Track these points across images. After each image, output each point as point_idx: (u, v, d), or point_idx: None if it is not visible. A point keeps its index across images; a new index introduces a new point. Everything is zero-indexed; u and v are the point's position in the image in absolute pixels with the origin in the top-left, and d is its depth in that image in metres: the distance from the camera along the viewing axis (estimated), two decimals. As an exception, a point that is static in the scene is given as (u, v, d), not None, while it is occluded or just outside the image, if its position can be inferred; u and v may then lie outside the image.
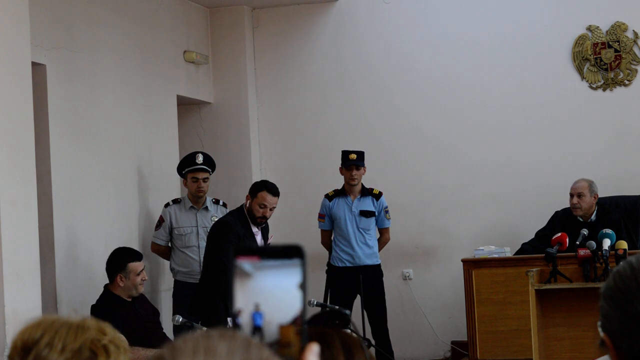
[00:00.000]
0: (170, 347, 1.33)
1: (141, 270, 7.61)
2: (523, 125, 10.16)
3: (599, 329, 1.85)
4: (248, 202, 7.97)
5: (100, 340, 2.00)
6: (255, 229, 7.95)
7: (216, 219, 8.56)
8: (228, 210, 8.81)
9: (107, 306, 7.42)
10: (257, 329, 1.49)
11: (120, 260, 7.62)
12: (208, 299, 7.59)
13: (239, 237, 7.77)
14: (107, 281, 7.69)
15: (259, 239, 7.98)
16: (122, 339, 2.04)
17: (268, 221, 8.17)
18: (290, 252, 1.49)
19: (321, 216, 9.50)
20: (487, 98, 10.24)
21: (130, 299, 7.59)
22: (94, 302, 7.69)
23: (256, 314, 1.49)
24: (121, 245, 8.12)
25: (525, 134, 10.16)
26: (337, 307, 7.39)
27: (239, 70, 10.59)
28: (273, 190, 8.06)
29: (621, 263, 1.87)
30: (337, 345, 2.08)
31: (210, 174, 9.02)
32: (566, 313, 7.83)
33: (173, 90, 9.83)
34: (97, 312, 7.42)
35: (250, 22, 10.75)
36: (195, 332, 1.36)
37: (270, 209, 8.00)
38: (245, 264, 1.49)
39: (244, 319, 1.49)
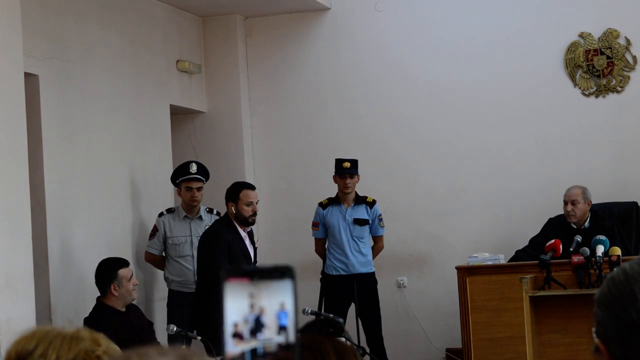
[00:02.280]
0: None
1: (131, 276, 7.63)
2: (516, 132, 10.17)
3: (594, 336, 1.85)
4: (233, 208, 7.94)
5: (94, 351, 2.00)
6: (243, 233, 7.94)
7: (209, 228, 8.56)
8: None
9: (100, 318, 7.40)
10: (282, 329, 1.49)
11: (110, 270, 7.61)
12: (206, 311, 7.56)
13: (229, 244, 7.76)
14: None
15: (247, 243, 7.97)
16: (116, 349, 2.04)
17: (254, 229, 8.19)
18: (281, 273, 1.50)
19: (315, 224, 9.50)
20: (480, 105, 10.24)
21: (124, 309, 7.58)
22: (88, 311, 7.68)
23: (281, 312, 1.49)
24: (115, 255, 8.12)
25: (519, 141, 10.16)
26: (330, 315, 7.38)
27: (232, 80, 10.59)
28: (250, 185, 8.19)
29: (615, 269, 1.87)
30: (330, 354, 2.07)
31: (204, 183, 9.02)
32: (560, 319, 7.84)
33: (166, 99, 9.83)
34: (90, 325, 7.40)
35: (243, 31, 10.76)
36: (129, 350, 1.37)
37: (256, 203, 8.02)
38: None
39: (268, 318, 1.49)
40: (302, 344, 1.99)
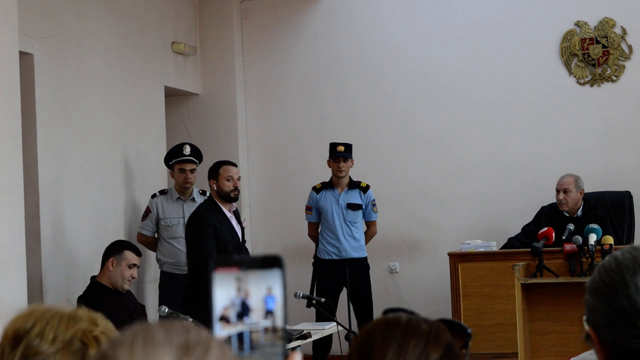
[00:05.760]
0: (110, 341, 1.34)
1: (134, 264, 7.55)
2: (510, 120, 10.18)
3: (585, 323, 1.86)
4: (214, 185, 7.93)
5: (92, 332, 2.00)
6: (229, 214, 7.92)
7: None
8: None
9: (93, 297, 7.38)
10: (269, 313, 1.50)
11: (119, 245, 7.62)
12: (199, 295, 7.55)
13: (214, 227, 7.75)
14: (93, 271, 7.67)
15: (234, 223, 7.96)
16: (113, 329, 2.04)
17: (240, 208, 8.19)
18: (270, 263, 1.51)
19: (308, 208, 9.50)
20: (475, 93, 10.25)
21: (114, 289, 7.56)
22: (79, 292, 7.67)
23: (268, 297, 1.50)
24: (108, 235, 8.12)
25: (513, 129, 10.17)
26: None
27: (227, 62, 10.58)
28: (230, 162, 8.19)
29: (607, 257, 1.88)
30: (442, 339, 1.91)
31: (197, 166, 9.02)
32: (552, 307, 7.85)
33: (161, 81, 9.82)
34: (84, 303, 7.36)
35: (239, 14, 10.74)
36: (136, 325, 1.37)
37: (237, 179, 8.01)
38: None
39: (255, 302, 1.50)
40: (423, 319, 1.91)
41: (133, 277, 7.57)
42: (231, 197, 7.93)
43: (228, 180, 7.91)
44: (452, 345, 1.91)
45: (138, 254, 7.68)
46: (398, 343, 1.88)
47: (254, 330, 1.50)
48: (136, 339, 1.31)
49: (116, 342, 1.32)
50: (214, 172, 7.99)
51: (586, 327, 1.86)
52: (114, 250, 7.58)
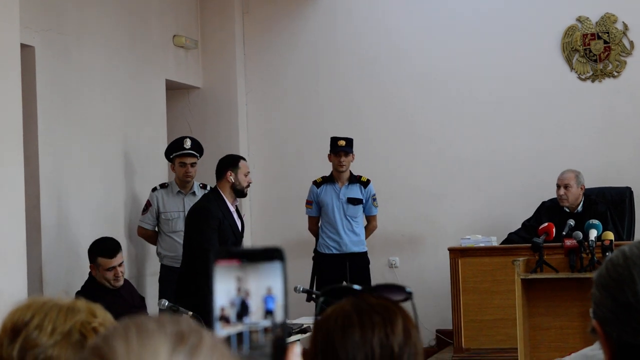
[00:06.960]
0: (101, 335, 1.34)
1: (112, 267, 7.41)
2: (511, 116, 10.17)
3: (591, 316, 1.86)
4: (232, 177, 7.85)
5: (90, 323, 2.00)
6: (232, 208, 7.91)
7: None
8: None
9: (92, 292, 7.35)
10: (268, 313, 1.49)
11: (92, 251, 7.53)
12: (194, 287, 7.50)
13: (218, 221, 7.72)
14: (93, 266, 7.68)
15: (236, 217, 7.96)
16: (112, 321, 2.03)
17: (240, 202, 8.19)
18: (271, 255, 1.50)
19: (309, 203, 9.50)
20: (476, 88, 10.24)
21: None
22: (80, 284, 7.67)
23: (268, 297, 1.49)
24: (108, 228, 8.10)
25: (514, 124, 10.17)
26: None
27: (228, 56, 10.57)
28: (244, 157, 8.18)
29: (615, 252, 1.87)
30: (398, 324, 2.02)
31: (198, 159, 9.01)
32: (552, 303, 7.85)
33: (162, 74, 9.81)
34: (82, 297, 7.33)
35: (240, 7, 10.73)
36: (125, 319, 1.36)
37: None
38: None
39: (255, 302, 1.49)
40: (372, 306, 1.99)
41: (116, 276, 7.47)
42: (245, 192, 7.93)
43: (246, 175, 7.91)
44: (407, 325, 2.03)
45: (111, 255, 7.45)
46: (363, 345, 1.96)
47: (254, 330, 1.49)
48: (129, 330, 1.30)
49: (109, 335, 1.31)
50: (234, 163, 7.90)
51: (593, 320, 1.85)
52: (90, 258, 7.52)
